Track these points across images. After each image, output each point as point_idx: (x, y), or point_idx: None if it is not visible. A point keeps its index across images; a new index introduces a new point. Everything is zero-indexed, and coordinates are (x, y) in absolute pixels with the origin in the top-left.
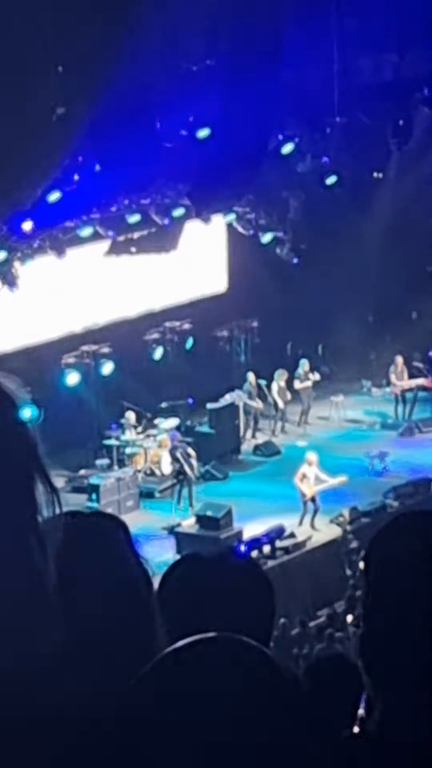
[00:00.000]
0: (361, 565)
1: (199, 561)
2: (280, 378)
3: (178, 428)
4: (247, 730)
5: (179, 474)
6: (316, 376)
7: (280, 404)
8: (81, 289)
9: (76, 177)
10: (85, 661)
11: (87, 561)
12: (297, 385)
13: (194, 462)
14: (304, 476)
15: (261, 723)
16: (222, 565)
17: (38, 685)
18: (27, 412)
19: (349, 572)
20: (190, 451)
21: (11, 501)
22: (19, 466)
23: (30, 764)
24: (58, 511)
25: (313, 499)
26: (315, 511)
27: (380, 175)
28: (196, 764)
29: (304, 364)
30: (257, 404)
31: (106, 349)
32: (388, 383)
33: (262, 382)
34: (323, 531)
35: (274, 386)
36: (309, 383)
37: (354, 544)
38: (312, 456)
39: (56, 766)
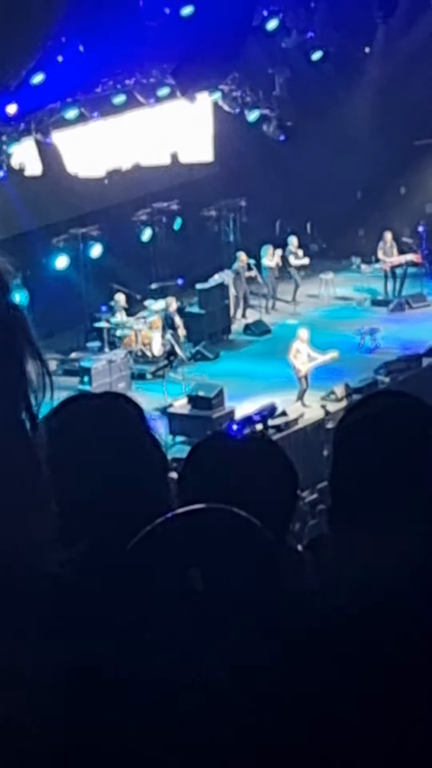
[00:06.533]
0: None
1: (224, 441)
2: (267, 254)
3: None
4: (230, 589)
5: (170, 355)
6: (305, 261)
7: (271, 281)
8: (68, 174)
9: (59, 58)
10: (91, 533)
11: (102, 440)
12: (292, 261)
13: (180, 334)
14: (297, 351)
15: (244, 584)
16: (248, 447)
17: (31, 558)
18: (17, 297)
19: (326, 453)
20: (180, 329)
21: (3, 379)
22: (10, 347)
23: (24, 628)
24: (49, 391)
25: (305, 377)
26: (305, 389)
27: (368, 50)
28: (188, 615)
29: (292, 242)
30: (247, 283)
31: (94, 232)
32: (378, 259)
33: (252, 262)
34: (314, 409)
35: (263, 264)
36: (298, 262)
37: (330, 425)
38: (303, 332)
39: (50, 627)
